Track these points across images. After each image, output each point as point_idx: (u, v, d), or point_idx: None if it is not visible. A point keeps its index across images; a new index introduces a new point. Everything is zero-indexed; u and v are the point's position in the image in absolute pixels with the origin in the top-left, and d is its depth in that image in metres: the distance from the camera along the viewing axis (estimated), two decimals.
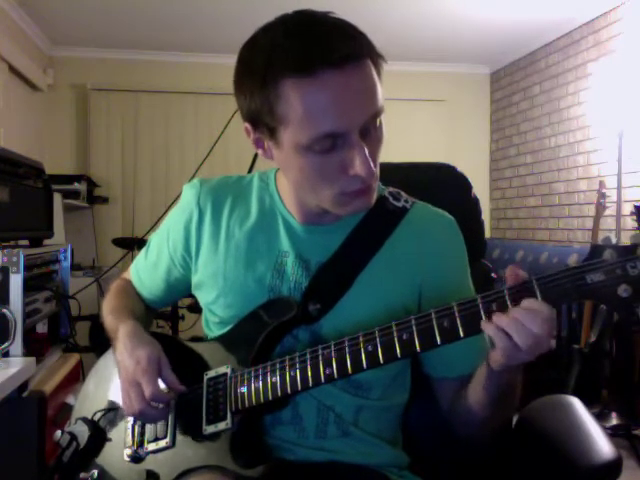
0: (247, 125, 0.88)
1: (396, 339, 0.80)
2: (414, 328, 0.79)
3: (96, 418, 1.04)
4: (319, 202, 0.90)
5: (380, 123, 0.84)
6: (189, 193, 1.04)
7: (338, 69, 0.77)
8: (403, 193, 1.02)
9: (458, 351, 0.88)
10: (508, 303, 0.75)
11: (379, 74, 0.84)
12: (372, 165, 0.82)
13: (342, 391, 0.94)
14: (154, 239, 1.12)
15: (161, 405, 0.92)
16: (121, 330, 0.99)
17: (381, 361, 0.81)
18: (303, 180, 0.88)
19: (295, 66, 0.77)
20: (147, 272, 1.13)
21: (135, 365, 0.92)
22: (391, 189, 1.02)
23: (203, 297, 1.03)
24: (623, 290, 0.71)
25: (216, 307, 1.01)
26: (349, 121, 0.79)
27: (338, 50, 0.77)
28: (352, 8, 2.93)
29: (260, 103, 0.82)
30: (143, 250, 1.15)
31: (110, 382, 1.07)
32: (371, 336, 0.82)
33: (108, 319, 1.07)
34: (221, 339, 1.00)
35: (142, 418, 0.95)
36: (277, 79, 0.79)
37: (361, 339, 0.82)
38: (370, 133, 0.83)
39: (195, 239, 1.02)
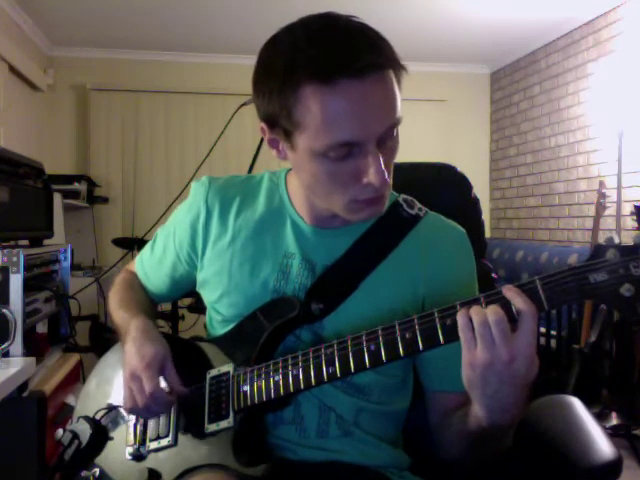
0: (263, 125, 0.88)
1: (399, 338, 0.80)
2: (417, 327, 0.79)
3: (98, 417, 1.04)
4: (330, 207, 0.90)
5: (397, 133, 0.84)
6: (197, 191, 1.04)
7: (359, 79, 0.76)
8: (417, 202, 1.02)
9: (451, 365, 0.87)
10: (511, 303, 0.75)
11: (399, 84, 0.83)
12: (386, 175, 0.82)
13: (342, 392, 0.94)
14: (161, 234, 1.12)
15: (160, 402, 0.93)
16: (133, 324, 0.99)
17: (384, 360, 0.81)
18: (315, 185, 0.88)
19: (316, 73, 0.77)
20: (152, 267, 1.13)
21: (140, 360, 0.93)
22: (405, 196, 1.02)
23: (207, 295, 1.04)
24: (626, 290, 0.71)
25: (220, 306, 1.01)
26: (367, 131, 0.79)
27: (360, 60, 0.76)
28: (352, 8, 2.92)
29: (278, 106, 0.81)
30: (149, 244, 1.15)
31: (112, 381, 1.07)
32: (374, 335, 0.82)
33: (117, 313, 1.07)
34: (224, 338, 1.00)
35: (140, 413, 0.94)
36: (297, 84, 0.78)
37: (364, 338, 0.82)
38: (386, 143, 0.83)
39: (201, 237, 1.02)
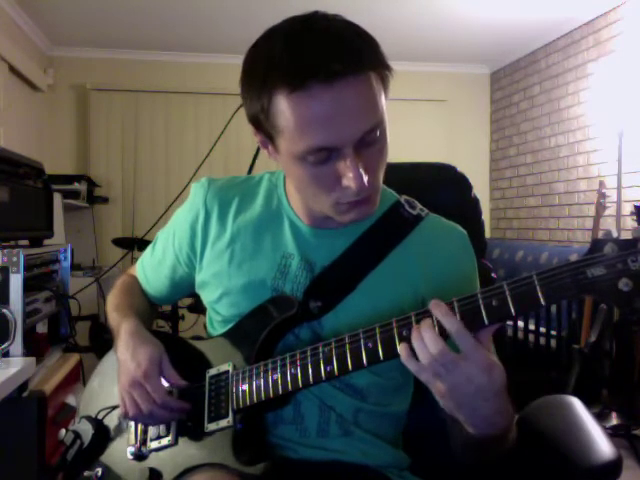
0: (252, 127, 0.89)
1: (396, 335, 0.80)
2: (414, 324, 0.79)
3: (100, 417, 1.05)
4: (319, 208, 0.90)
5: (381, 133, 0.83)
6: (197, 192, 1.05)
7: (328, 85, 0.76)
8: (418, 203, 1.02)
9: None
10: (509, 299, 0.75)
11: (384, 85, 0.83)
12: (364, 180, 0.81)
13: (341, 392, 0.95)
14: (160, 236, 1.13)
15: (164, 410, 0.93)
16: (123, 328, 1.00)
17: (381, 357, 0.81)
18: (301, 186, 0.89)
19: (287, 79, 0.77)
20: (152, 269, 1.13)
21: (136, 366, 0.93)
22: (407, 197, 1.02)
23: (207, 296, 1.04)
24: (624, 284, 0.70)
25: (219, 306, 1.01)
26: (340, 137, 0.79)
27: (329, 66, 0.76)
28: (352, 8, 2.93)
29: (259, 109, 0.82)
30: (150, 246, 1.15)
31: (115, 381, 1.07)
32: (371, 332, 0.82)
33: (112, 316, 1.07)
34: (223, 337, 1.00)
35: (143, 420, 0.95)
36: (272, 90, 0.79)
37: (362, 335, 0.82)
38: (368, 145, 0.82)
39: (201, 239, 1.02)
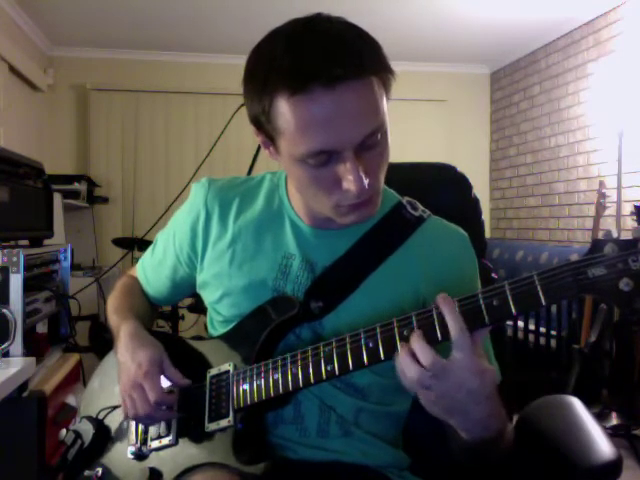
0: (253, 127, 0.89)
1: (397, 335, 0.80)
2: (415, 324, 0.79)
3: (101, 416, 1.05)
4: (319, 209, 0.91)
5: (382, 136, 0.83)
6: (197, 193, 1.04)
7: (330, 89, 0.76)
8: (420, 204, 1.02)
9: None
10: (510, 299, 0.75)
11: (386, 88, 0.83)
12: (365, 183, 0.81)
13: (342, 392, 0.95)
14: (161, 237, 1.13)
15: (164, 408, 0.93)
16: (122, 330, 1.00)
17: (382, 357, 0.81)
18: (301, 188, 0.89)
19: (289, 82, 0.77)
20: (153, 270, 1.13)
21: (137, 368, 0.93)
22: (409, 198, 1.02)
23: (208, 296, 1.04)
24: (625, 284, 0.70)
25: (220, 306, 1.01)
26: (341, 140, 0.79)
27: (331, 70, 0.76)
28: (352, 8, 2.93)
29: (260, 111, 0.83)
30: (150, 247, 1.15)
31: (115, 381, 1.07)
32: (372, 332, 0.82)
33: (112, 318, 1.08)
34: (224, 337, 1.00)
35: (145, 421, 0.95)
36: (273, 92, 0.79)
37: (362, 335, 0.83)
38: (369, 148, 0.82)
39: (201, 239, 1.02)
